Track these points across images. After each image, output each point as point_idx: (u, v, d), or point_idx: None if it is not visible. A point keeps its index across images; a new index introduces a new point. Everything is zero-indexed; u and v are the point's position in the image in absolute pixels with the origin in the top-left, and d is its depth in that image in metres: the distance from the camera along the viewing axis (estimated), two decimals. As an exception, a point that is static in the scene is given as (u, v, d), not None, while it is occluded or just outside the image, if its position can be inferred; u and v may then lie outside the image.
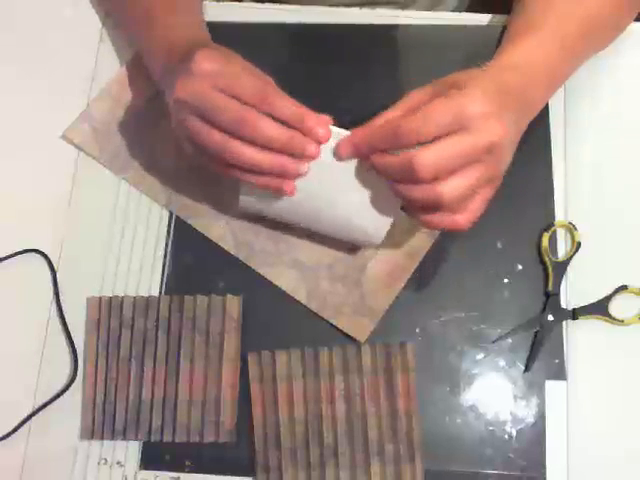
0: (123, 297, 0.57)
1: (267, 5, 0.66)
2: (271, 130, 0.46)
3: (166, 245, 0.59)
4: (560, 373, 0.55)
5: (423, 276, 0.57)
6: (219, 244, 0.59)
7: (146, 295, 0.58)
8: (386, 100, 0.61)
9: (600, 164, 0.59)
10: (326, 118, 0.47)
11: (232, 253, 0.58)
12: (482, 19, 0.64)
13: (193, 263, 0.59)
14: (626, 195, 0.59)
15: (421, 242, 0.57)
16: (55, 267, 0.59)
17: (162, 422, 0.55)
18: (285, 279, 0.58)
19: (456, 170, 0.45)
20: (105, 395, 0.56)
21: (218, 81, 0.47)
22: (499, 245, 0.58)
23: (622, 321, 0.55)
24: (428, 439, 0.54)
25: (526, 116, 0.51)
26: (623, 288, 0.56)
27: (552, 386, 0.54)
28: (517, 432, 0.54)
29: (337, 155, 0.48)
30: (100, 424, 0.55)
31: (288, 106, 0.47)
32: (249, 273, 0.58)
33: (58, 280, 0.59)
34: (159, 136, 0.61)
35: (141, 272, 0.59)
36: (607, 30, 0.58)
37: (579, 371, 0.55)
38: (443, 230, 0.48)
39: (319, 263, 0.58)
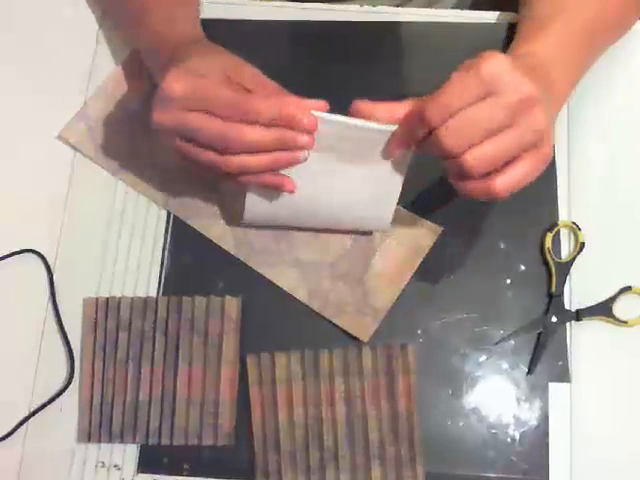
0: (120, 298, 0.57)
1: (266, 2, 0.66)
2: (255, 135, 0.46)
3: (164, 245, 0.59)
4: (563, 375, 0.54)
5: (425, 277, 0.57)
6: (219, 244, 0.58)
7: (144, 296, 0.57)
8: (386, 97, 0.61)
9: (604, 164, 0.59)
10: (308, 104, 0.46)
11: (232, 253, 0.58)
12: (482, 16, 0.64)
13: (191, 263, 0.58)
14: (630, 195, 0.58)
15: (424, 238, 0.57)
16: (52, 267, 0.59)
17: (160, 425, 0.54)
18: (286, 278, 0.57)
19: (488, 136, 0.43)
20: (102, 397, 0.55)
21: (189, 103, 0.46)
22: (502, 245, 0.57)
23: (626, 322, 0.55)
24: (429, 442, 0.53)
25: (553, 101, 0.49)
26: (627, 289, 0.55)
27: (555, 388, 0.54)
28: (520, 435, 0.53)
29: (389, 154, 0.47)
30: (97, 427, 0.55)
31: (264, 108, 0.45)
32: (248, 273, 0.58)
33: (55, 280, 0.58)
34: (156, 135, 0.61)
35: (139, 272, 0.58)
36: (613, 29, 0.58)
37: (583, 373, 0.54)
38: (480, 198, 0.46)
39: (321, 262, 0.57)
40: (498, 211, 0.58)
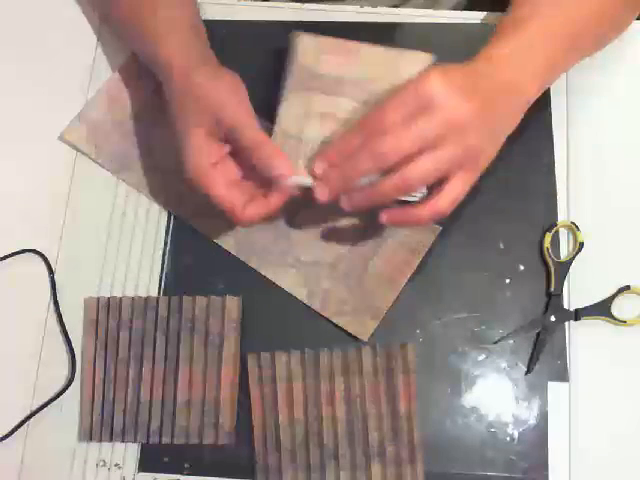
0: (121, 298, 0.57)
1: (266, 3, 0.66)
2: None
3: (165, 245, 0.59)
4: (562, 374, 0.54)
5: (424, 277, 0.57)
6: (219, 244, 0.58)
7: (144, 296, 0.57)
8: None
9: (602, 164, 0.59)
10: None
11: (232, 253, 0.58)
12: (482, 17, 0.64)
13: (192, 263, 0.59)
14: (629, 195, 0.58)
15: (423, 237, 0.57)
16: (53, 267, 0.59)
17: (161, 424, 0.54)
18: (286, 278, 0.57)
19: (422, 151, 0.47)
20: (103, 396, 0.55)
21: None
22: (501, 245, 0.57)
23: (625, 322, 0.55)
24: (429, 441, 0.53)
25: (512, 108, 0.51)
26: (626, 288, 0.55)
27: (554, 387, 0.54)
28: (519, 434, 0.53)
29: (318, 202, 0.50)
30: (98, 426, 0.55)
31: (259, 213, 0.53)
32: (249, 273, 0.58)
33: (56, 280, 0.58)
34: (157, 136, 0.61)
35: (140, 272, 0.58)
36: (604, 29, 0.57)
37: (581, 372, 0.54)
38: (427, 222, 0.51)
39: (320, 262, 0.57)
40: (497, 211, 0.58)
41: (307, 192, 0.52)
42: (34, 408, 0.56)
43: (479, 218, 0.57)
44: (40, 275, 0.59)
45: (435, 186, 0.49)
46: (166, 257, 0.59)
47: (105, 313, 0.57)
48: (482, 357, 0.55)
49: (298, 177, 0.51)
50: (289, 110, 0.55)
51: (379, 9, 0.65)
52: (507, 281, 0.57)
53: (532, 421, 0.54)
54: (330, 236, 0.58)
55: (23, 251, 0.59)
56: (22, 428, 0.55)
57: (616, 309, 0.55)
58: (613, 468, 0.53)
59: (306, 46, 0.56)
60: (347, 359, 0.54)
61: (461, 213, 0.55)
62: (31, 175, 0.62)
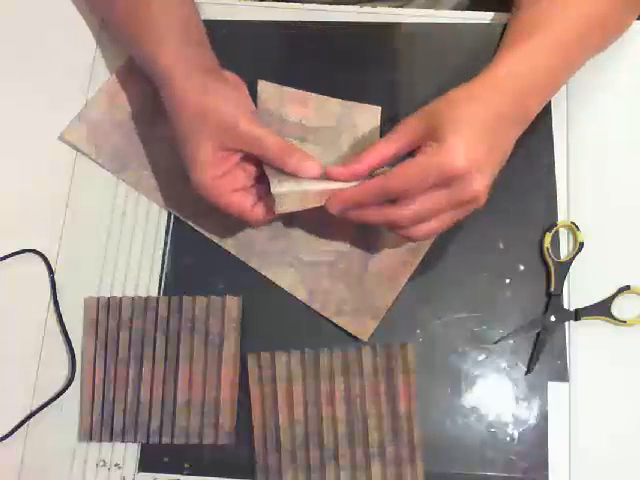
0: (121, 298, 0.57)
1: (266, 3, 0.66)
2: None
3: (165, 245, 0.59)
4: (562, 374, 0.54)
5: (424, 276, 0.57)
6: (219, 244, 0.58)
7: (144, 296, 0.57)
8: (386, 98, 0.61)
9: (603, 164, 0.59)
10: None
11: (232, 253, 0.58)
12: (482, 17, 0.64)
13: (192, 263, 0.59)
14: (629, 195, 0.58)
15: None
16: (53, 267, 0.59)
17: (161, 424, 0.54)
18: (286, 278, 0.57)
19: (432, 218, 0.49)
20: (103, 396, 0.55)
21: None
22: (501, 245, 0.57)
23: (625, 322, 0.55)
24: (429, 441, 0.53)
25: (519, 127, 0.52)
26: (626, 288, 0.55)
27: (554, 387, 0.54)
28: (519, 434, 0.53)
29: (327, 210, 0.51)
30: (98, 426, 0.55)
31: (266, 220, 0.54)
32: (249, 273, 0.58)
33: (56, 280, 0.58)
34: (157, 136, 0.61)
35: (140, 272, 0.58)
36: (606, 32, 0.58)
37: (581, 372, 0.54)
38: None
39: (320, 261, 0.57)
40: (497, 211, 0.58)
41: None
42: (34, 408, 0.56)
43: (479, 218, 0.57)
44: (40, 275, 0.59)
45: None
46: (166, 257, 0.59)
47: (105, 313, 0.57)
48: (482, 357, 0.55)
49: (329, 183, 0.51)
50: None
51: (379, 9, 0.65)
52: (507, 281, 0.57)
53: (532, 421, 0.54)
54: (330, 236, 0.58)
55: (23, 251, 0.59)
56: (22, 428, 0.55)
57: (616, 309, 0.55)
58: (613, 468, 0.53)
59: (269, 92, 0.61)
60: (347, 359, 0.54)
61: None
62: (31, 175, 0.62)
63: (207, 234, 0.59)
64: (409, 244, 0.57)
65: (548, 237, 0.56)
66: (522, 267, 0.57)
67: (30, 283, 0.59)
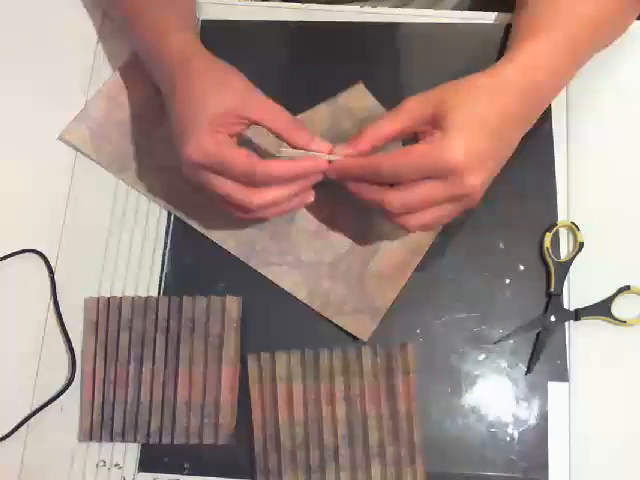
0: (121, 298, 0.57)
1: (266, 3, 0.66)
2: (273, 194, 0.51)
3: (165, 245, 0.59)
4: (562, 374, 0.54)
5: (424, 276, 0.57)
6: (219, 244, 0.58)
7: (145, 296, 0.57)
8: (386, 98, 0.61)
9: (603, 164, 0.59)
10: (317, 148, 0.51)
11: (233, 253, 0.58)
12: (484, 17, 0.64)
13: (192, 263, 0.59)
14: (629, 195, 0.58)
15: (423, 237, 0.57)
16: (53, 267, 0.59)
17: (161, 424, 0.54)
18: (286, 278, 0.57)
19: (424, 208, 0.49)
20: (103, 397, 0.55)
21: (211, 169, 0.50)
22: (501, 245, 0.57)
23: (625, 322, 0.55)
24: (429, 441, 0.53)
25: (524, 126, 0.52)
26: (626, 288, 0.55)
27: (554, 387, 0.54)
28: (519, 434, 0.53)
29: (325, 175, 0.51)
30: (98, 426, 0.55)
31: (278, 172, 0.50)
32: (249, 273, 0.58)
33: (56, 280, 0.58)
34: (157, 136, 0.61)
35: (140, 273, 0.58)
36: (609, 30, 0.58)
37: (581, 372, 0.54)
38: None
39: (320, 261, 0.57)
40: (497, 211, 0.58)
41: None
42: (34, 408, 0.56)
43: (479, 218, 0.57)
44: (40, 275, 0.59)
45: None
46: (166, 257, 0.59)
47: (105, 313, 0.57)
48: (482, 357, 0.55)
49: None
50: None
51: (379, 9, 0.65)
52: (507, 281, 0.57)
53: (532, 421, 0.54)
54: (330, 236, 0.58)
55: (23, 251, 0.59)
56: (22, 428, 0.55)
57: (616, 309, 0.55)
58: (613, 468, 0.53)
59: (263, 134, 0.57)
60: (347, 359, 0.54)
61: (460, 213, 0.55)
62: (31, 175, 0.62)
63: (207, 234, 0.59)
64: (409, 244, 0.57)
65: (548, 237, 0.56)
66: (522, 267, 0.57)
67: (30, 283, 0.59)
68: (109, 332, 0.56)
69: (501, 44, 0.62)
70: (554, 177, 0.59)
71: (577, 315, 0.55)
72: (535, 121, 0.53)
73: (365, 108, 0.60)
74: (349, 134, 0.56)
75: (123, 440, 0.55)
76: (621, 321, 0.55)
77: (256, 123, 0.52)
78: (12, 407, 0.56)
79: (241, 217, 0.53)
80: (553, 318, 0.55)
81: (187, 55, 0.53)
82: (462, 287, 0.57)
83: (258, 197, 0.50)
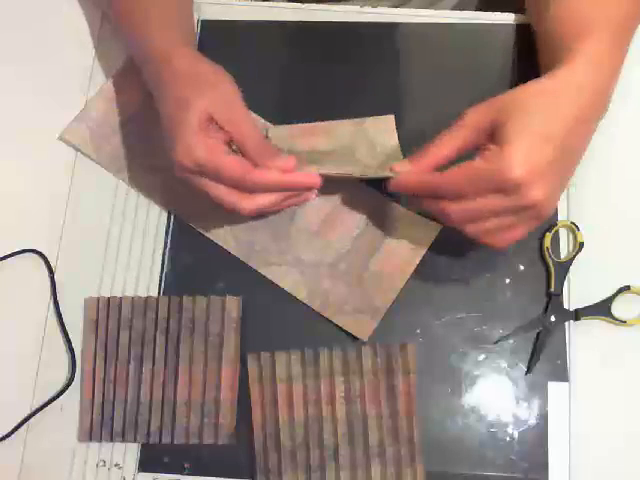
0: (121, 297, 0.57)
1: (266, 3, 0.66)
2: (264, 200, 0.51)
3: (165, 245, 0.59)
4: (562, 374, 0.54)
5: (424, 276, 0.57)
6: (219, 244, 0.58)
7: (145, 295, 0.57)
8: (386, 98, 0.61)
9: (603, 164, 0.59)
10: (313, 179, 0.51)
11: (232, 253, 0.58)
12: (482, 17, 0.64)
13: (192, 263, 0.59)
14: (629, 195, 0.58)
15: (424, 236, 0.57)
16: (53, 267, 0.59)
17: (161, 424, 0.54)
18: (286, 278, 0.57)
19: (485, 218, 0.47)
20: (103, 396, 0.55)
21: (201, 175, 0.50)
22: (501, 245, 0.57)
23: (625, 322, 0.55)
24: (429, 441, 0.53)
25: (588, 131, 0.50)
26: (626, 289, 0.55)
27: (554, 387, 0.54)
28: (519, 434, 0.53)
29: (385, 189, 0.51)
30: (98, 426, 0.55)
31: (269, 182, 0.49)
32: (249, 273, 0.58)
33: (56, 280, 0.58)
34: (157, 136, 0.61)
35: (140, 272, 0.58)
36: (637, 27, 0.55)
37: (581, 372, 0.54)
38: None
39: (320, 261, 0.57)
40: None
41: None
42: (34, 408, 0.56)
43: (479, 218, 0.57)
44: (40, 275, 0.59)
45: None
46: (166, 257, 0.59)
47: (105, 313, 0.57)
48: (482, 357, 0.55)
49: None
50: None
51: (379, 9, 0.65)
52: (507, 281, 0.57)
53: (532, 421, 0.54)
54: (330, 236, 0.58)
55: (23, 251, 0.59)
56: (22, 428, 0.55)
57: (616, 309, 0.55)
58: (613, 468, 0.53)
59: (278, 135, 0.59)
60: (347, 359, 0.54)
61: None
62: (31, 175, 0.62)
63: (207, 234, 0.59)
64: (409, 244, 0.57)
65: (548, 237, 0.56)
66: (522, 267, 0.57)
67: (30, 283, 0.59)
68: (109, 332, 0.56)
69: (501, 44, 0.62)
70: (554, 177, 0.58)
71: (577, 315, 0.55)
72: (598, 122, 0.51)
73: (385, 145, 0.59)
74: (359, 162, 0.57)
75: (123, 440, 0.55)
76: (621, 321, 0.55)
77: (231, 133, 0.51)
78: (12, 407, 0.56)
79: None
80: (553, 318, 0.55)
81: (169, 54, 0.53)
82: (462, 287, 0.57)
83: (248, 202, 0.50)
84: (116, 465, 0.55)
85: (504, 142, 0.45)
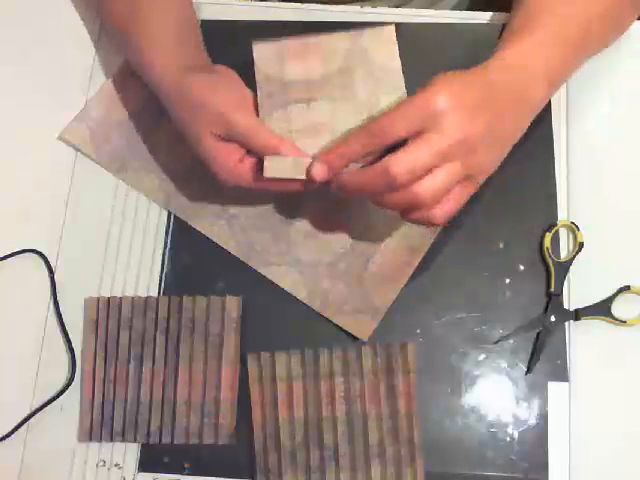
0: (121, 297, 0.57)
1: (266, 3, 0.66)
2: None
3: (165, 245, 0.59)
4: (562, 374, 0.54)
5: (424, 276, 0.57)
6: (219, 244, 0.58)
7: (145, 295, 0.57)
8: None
9: (603, 164, 0.59)
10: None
11: (232, 253, 0.58)
12: (482, 17, 0.64)
13: (192, 263, 0.59)
14: (629, 195, 0.58)
15: (424, 237, 0.57)
16: (53, 267, 0.59)
17: (161, 424, 0.54)
18: (286, 278, 0.57)
19: (430, 169, 0.46)
20: (103, 396, 0.55)
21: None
22: (501, 245, 0.57)
23: (625, 322, 0.55)
24: (429, 441, 0.53)
25: (523, 116, 0.51)
26: (626, 288, 0.55)
27: (554, 387, 0.54)
28: (519, 434, 0.53)
29: (311, 179, 0.49)
30: (98, 426, 0.55)
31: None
32: (249, 273, 0.58)
33: (56, 280, 0.58)
34: (157, 136, 0.61)
35: (140, 272, 0.58)
36: (608, 29, 0.58)
37: (581, 372, 0.54)
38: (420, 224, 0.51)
39: (320, 261, 0.57)
40: (497, 211, 0.58)
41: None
42: (34, 408, 0.56)
43: (479, 218, 0.57)
44: (40, 275, 0.59)
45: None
46: (166, 257, 0.59)
47: (105, 313, 0.57)
48: (482, 357, 0.55)
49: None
50: None
51: (379, 9, 0.65)
52: (507, 281, 0.57)
53: (532, 421, 0.54)
54: (329, 236, 0.58)
55: (23, 251, 0.59)
56: (22, 428, 0.55)
57: (616, 309, 0.55)
58: (613, 468, 0.53)
59: (266, 55, 0.55)
60: (347, 359, 0.54)
61: (461, 213, 0.55)
62: (31, 175, 0.62)
63: (207, 234, 0.59)
64: (409, 244, 0.57)
65: (548, 237, 0.56)
66: (522, 267, 0.57)
67: (30, 283, 0.59)
68: (109, 332, 0.56)
69: (501, 44, 0.62)
70: (554, 177, 0.59)
71: (577, 315, 0.55)
72: (531, 114, 0.52)
73: (385, 69, 0.54)
74: (356, 98, 0.54)
75: (123, 440, 0.55)
76: (621, 321, 0.55)
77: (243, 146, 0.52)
78: (12, 407, 0.56)
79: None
80: (553, 318, 0.55)
81: (165, 77, 0.54)
82: (462, 287, 0.57)
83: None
84: (116, 465, 0.55)
85: (426, 89, 0.46)
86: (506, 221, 0.58)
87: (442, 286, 0.57)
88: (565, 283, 0.56)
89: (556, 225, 0.57)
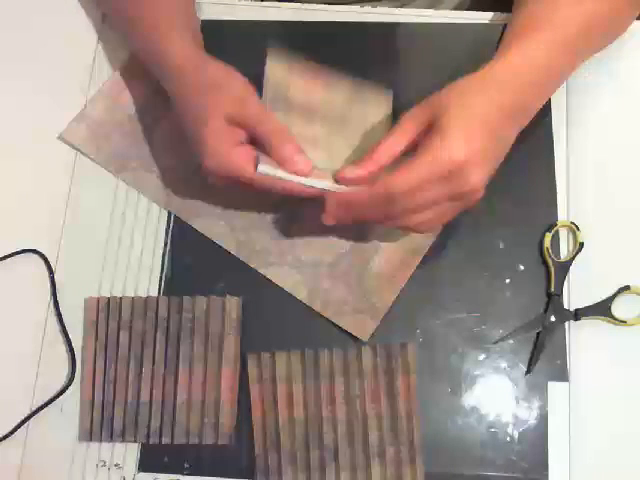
0: (121, 298, 0.57)
1: (266, 3, 0.66)
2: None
3: (165, 245, 0.59)
4: (562, 374, 0.54)
5: (424, 276, 0.57)
6: (219, 244, 0.58)
7: (145, 296, 0.57)
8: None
9: (603, 164, 0.59)
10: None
11: (233, 253, 0.58)
12: (484, 17, 0.64)
13: (192, 264, 0.59)
14: (629, 195, 0.58)
15: (423, 237, 0.57)
16: (53, 267, 0.59)
17: (161, 424, 0.54)
18: (286, 278, 0.57)
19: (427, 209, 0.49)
20: (103, 397, 0.55)
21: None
22: (501, 245, 0.57)
23: (625, 322, 0.55)
24: (429, 441, 0.53)
25: (519, 123, 0.52)
26: (626, 288, 0.55)
27: (554, 387, 0.54)
28: (519, 434, 0.53)
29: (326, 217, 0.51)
30: (98, 426, 0.55)
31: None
32: (249, 274, 0.58)
33: (56, 281, 0.58)
34: (157, 136, 0.61)
35: (140, 272, 0.58)
36: (608, 30, 0.58)
37: (581, 372, 0.54)
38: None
39: (320, 262, 0.57)
40: (498, 211, 0.58)
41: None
42: (34, 408, 0.56)
43: (479, 218, 0.57)
44: (40, 275, 0.59)
45: None
46: (166, 257, 0.59)
47: (105, 313, 0.57)
48: (482, 357, 0.55)
49: (314, 180, 0.51)
50: None
51: (379, 9, 0.65)
52: (507, 281, 0.57)
53: (532, 421, 0.54)
54: (330, 236, 0.58)
55: (23, 251, 0.59)
56: (22, 428, 0.55)
57: (616, 309, 0.55)
58: (613, 468, 0.53)
59: (276, 72, 0.60)
60: (347, 359, 0.54)
61: (461, 213, 0.55)
62: (31, 175, 0.62)
63: (207, 234, 0.59)
64: (409, 244, 0.57)
65: (548, 237, 0.56)
66: (522, 267, 0.57)
67: (30, 283, 0.59)
68: (109, 332, 0.56)
69: (501, 44, 0.62)
70: (554, 177, 0.59)
71: (577, 315, 0.55)
72: (531, 117, 0.53)
73: (376, 120, 0.59)
74: (349, 128, 0.57)
75: (123, 440, 0.55)
76: (621, 321, 0.55)
77: (251, 131, 0.52)
78: (12, 407, 0.56)
79: None
80: (553, 318, 0.55)
81: (178, 63, 0.54)
82: (462, 287, 0.57)
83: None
84: (116, 465, 0.55)
85: (444, 130, 0.47)
86: (506, 221, 0.58)
87: (442, 286, 0.57)
88: (565, 283, 0.56)
89: (556, 225, 0.57)
